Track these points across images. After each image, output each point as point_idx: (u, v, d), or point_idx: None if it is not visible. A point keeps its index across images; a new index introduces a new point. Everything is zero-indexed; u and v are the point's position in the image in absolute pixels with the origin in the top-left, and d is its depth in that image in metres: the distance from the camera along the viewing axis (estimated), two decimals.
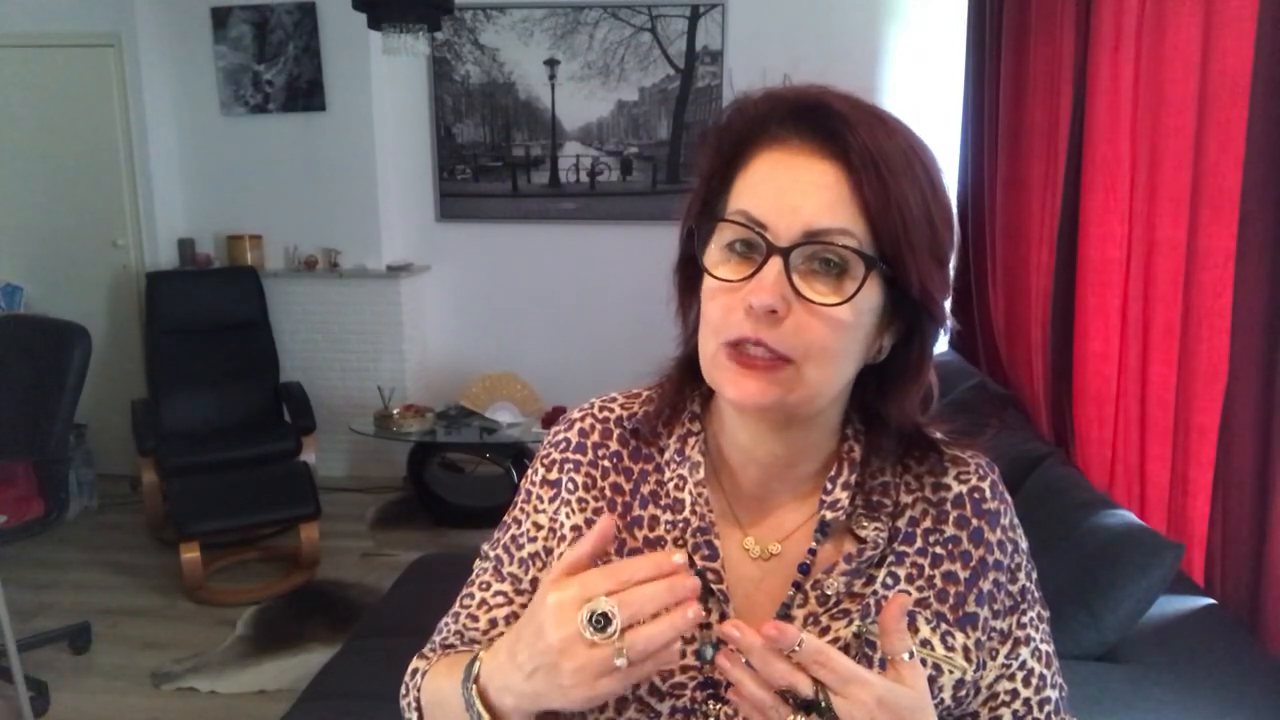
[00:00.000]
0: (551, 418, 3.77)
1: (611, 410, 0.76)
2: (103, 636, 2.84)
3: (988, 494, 0.69)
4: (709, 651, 0.65)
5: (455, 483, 4.08)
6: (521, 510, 0.76)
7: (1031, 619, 0.69)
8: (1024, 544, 0.71)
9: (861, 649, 0.64)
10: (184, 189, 4.22)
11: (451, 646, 0.76)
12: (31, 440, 2.61)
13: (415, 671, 0.75)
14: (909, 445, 0.69)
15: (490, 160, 4.34)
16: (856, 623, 0.64)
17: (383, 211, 4.21)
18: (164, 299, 3.85)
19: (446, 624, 0.78)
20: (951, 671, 0.64)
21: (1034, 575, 0.71)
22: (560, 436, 0.76)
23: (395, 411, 3.76)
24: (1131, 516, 1.63)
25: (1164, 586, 1.43)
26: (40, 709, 2.43)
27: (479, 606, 0.76)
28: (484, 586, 0.77)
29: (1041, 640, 0.70)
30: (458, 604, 0.78)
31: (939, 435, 0.70)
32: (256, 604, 3.05)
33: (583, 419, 0.76)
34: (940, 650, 0.64)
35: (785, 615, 0.66)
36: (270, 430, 3.82)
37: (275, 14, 4.03)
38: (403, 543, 3.57)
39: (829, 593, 0.65)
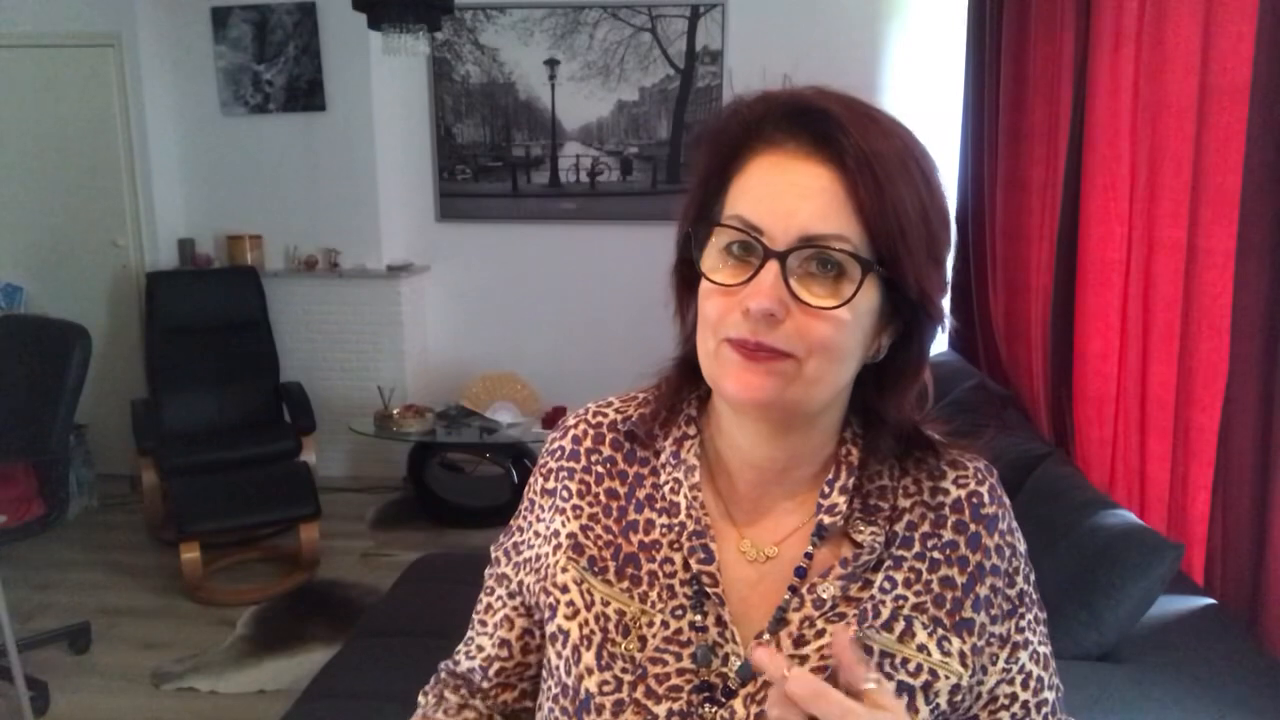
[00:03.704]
0: (552, 418, 3.77)
1: (605, 415, 0.76)
2: (103, 636, 2.84)
3: (986, 499, 0.69)
4: (705, 655, 0.65)
5: (455, 483, 4.08)
6: (524, 518, 0.78)
7: (1029, 622, 0.69)
8: (1022, 547, 0.71)
9: (857, 654, 0.64)
10: (184, 189, 4.22)
11: (464, 679, 0.80)
12: (31, 440, 2.61)
13: (419, 706, 0.81)
14: (908, 447, 0.69)
15: (490, 160, 4.34)
16: (852, 628, 0.64)
17: (383, 211, 4.21)
18: (164, 299, 3.85)
19: (468, 637, 0.81)
20: (948, 677, 0.64)
21: (1032, 578, 0.71)
22: (556, 444, 0.77)
23: (395, 411, 3.76)
24: (1131, 516, 1.63)
25: (1164, 586, 1.43)
26: (40, 709, 2.43)
27: (486, 611, 0.80)
28: (489, 590, 0.80)
29: (1039, 642, 0.70)
30: (474, 613, 0.82)
31: (938, 437, 0.70)
32: (256, 604, 3.05)
33: (576, 425, 0.76)
34: (936, 655, 0.64)
35: (781, 618, 0.65)
36: (270, 430, 3.82)
37: (275, 14, 4.03)
38: (403, 543, 3.57)
39: (824, 596, 0.65)
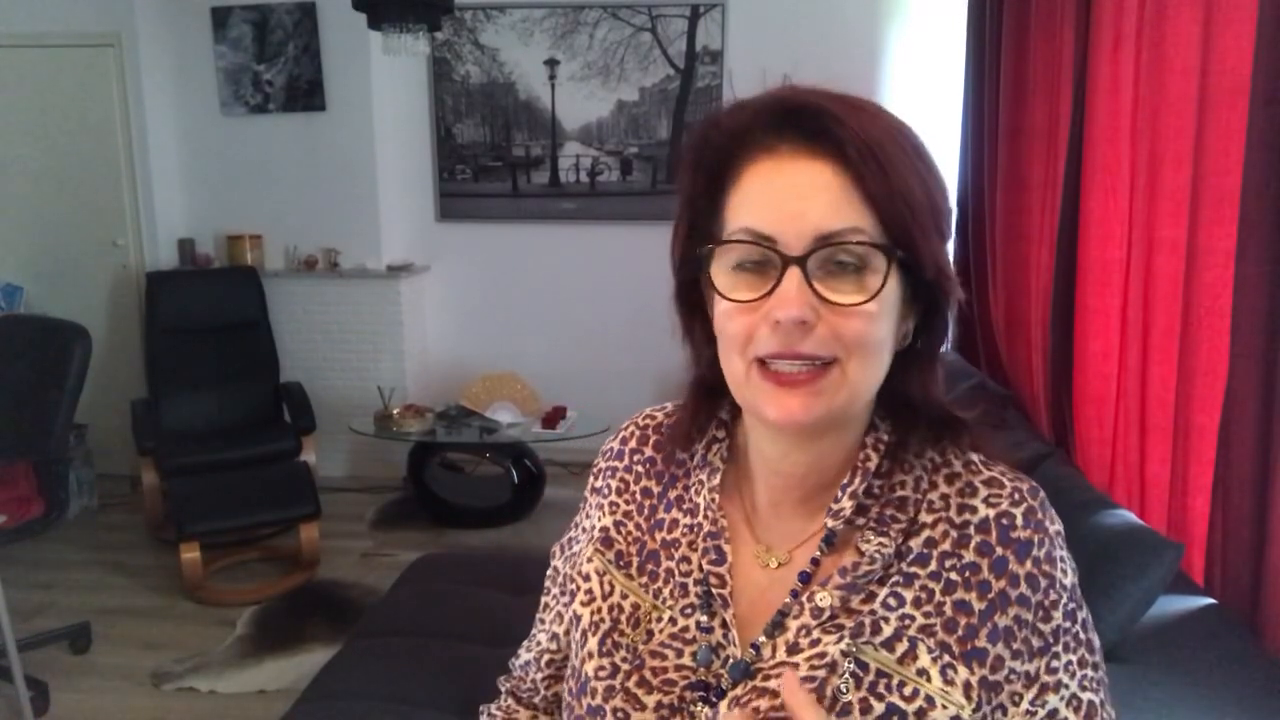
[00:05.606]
0: (552, 418, 3.77)
1: (654, 418, 0.79)
2: (103, 636, 2.84)
3: (1019, 521, 0.63)
4: (706, 655, 0.65)
5: (455, 483, 4.08)
6: (579, 515, 0.82)
7: (1067, 664, 0.63)
8: (1067, 580, 0.64)
9: (850, 667, 0.61)
10: (184, 189, 4.22)
11: (519, 678, 0.85)
12: (31, 440, 2.61)
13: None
14: (945, 456, 0.66)
15: (490, 160, 4.34)
16: (846, 640, 0.62)
17: (383, 211, 4.21)
18: (164, 299, 3.85)
19: (531, 633, 0.85)
20: (945, 706, 0.59)
21: (1080, 615, 0.64)
22: (608, 445, 0.80)
23: (395, 411, 3.76)
24: (1131, 516, 1.63)
25: (1164, 586, 1.43)
26: (40, 709, 2.43)
27: (543, 609, 0.83)
28: (545, 589, 0.84)
29: (1080, 688, 0.63)
30: (538, 611, 0.85)
31: (978, 458, 0.67)
32: (256, 604, 3.05)
33: (627, 428, 0.80)
34: (937, 682, 0.60)
35: (779, 623, 0.65)
36: (270, 430, 3.82)
37: (275, 14, 4.03)
38: (403, 543, 3.57)
39: (822, 605, 0.63)
